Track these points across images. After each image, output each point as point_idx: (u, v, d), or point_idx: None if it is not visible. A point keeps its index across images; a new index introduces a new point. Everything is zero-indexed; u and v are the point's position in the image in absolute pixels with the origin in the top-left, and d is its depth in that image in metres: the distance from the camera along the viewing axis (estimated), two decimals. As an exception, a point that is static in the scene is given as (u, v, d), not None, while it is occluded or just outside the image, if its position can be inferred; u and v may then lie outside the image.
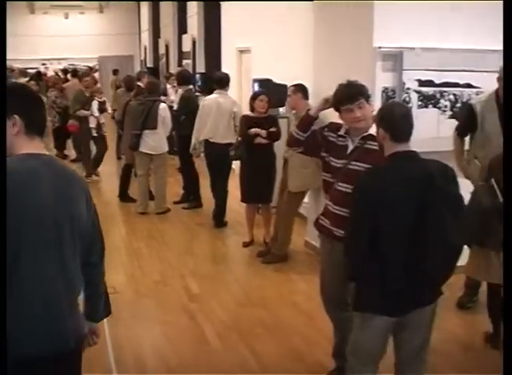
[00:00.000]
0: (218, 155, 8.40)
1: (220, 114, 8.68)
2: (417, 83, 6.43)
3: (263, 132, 7.48)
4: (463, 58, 6.46)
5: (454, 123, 6.37)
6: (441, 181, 3.35)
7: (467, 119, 6.04)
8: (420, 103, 6.47)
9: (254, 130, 7.50)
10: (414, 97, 6.44)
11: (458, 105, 6.58)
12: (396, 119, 3.56)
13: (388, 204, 3.39)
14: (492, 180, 4.96)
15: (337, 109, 4.26)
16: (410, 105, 6.35)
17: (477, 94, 6.40)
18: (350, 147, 4.26)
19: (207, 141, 8.82)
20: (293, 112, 7.40)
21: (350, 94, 4.16)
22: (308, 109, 4.48)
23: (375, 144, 4.04)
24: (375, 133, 3.93)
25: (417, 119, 6.06)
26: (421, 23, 6.36)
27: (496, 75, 5.73)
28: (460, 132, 6.12)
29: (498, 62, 5.71)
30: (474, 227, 5.06)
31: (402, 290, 3.48)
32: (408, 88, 6.40)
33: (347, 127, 4.27)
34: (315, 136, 4.37)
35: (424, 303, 3.62)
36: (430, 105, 6.52)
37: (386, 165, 3.62)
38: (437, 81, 6.49)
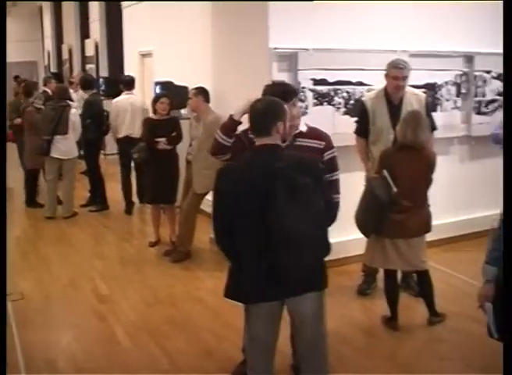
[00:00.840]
0: None
1: (134, 111, 9.49)
2: (311, 83, 6.63)
3: (163, 140, 7.64)
4: (354, 57, 6.72)
5: (348, 119, 6.67)
6: (291, 172, 3.36)
7: (361, 117, 6.24)
8: (315, 101, 6.68)
9: (158, 140, 7.64)
10: (310, 95, 6.64)
11: (351, 101, 6.84)
12: (252, 115, 3.63)
13: (242, 194, 3.44)
14: (384, 171, 5.21)
15: None
16: (306, 103, 6.58)
17: (368, 91, 6.67)
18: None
19: (125, 138, 9.40)
20: (194, 114, 7.55)
21: (285, 93, 4.10)
22: (231, 114, 4.46)
23: (306, 140, 4.13)
24: (304, 131, 4.16)
25: (313, 116, 6.43)
26: (314, 24, 6.56)
27: (384, 72, 6.02)
28: (360, 132, 6.28)
29: (385, 61, 6.03)
30: (369, 217, 5.31)
31: (257, 278, 3.50)
32: (304, 87, 6.59)
33: None
34: (240, 140, 4.30)
35: (295, 293, 3.59)
36: (325, 103, 6.74)
37: (244, 158, 3.70)
38: (330, 80, 6.72)
